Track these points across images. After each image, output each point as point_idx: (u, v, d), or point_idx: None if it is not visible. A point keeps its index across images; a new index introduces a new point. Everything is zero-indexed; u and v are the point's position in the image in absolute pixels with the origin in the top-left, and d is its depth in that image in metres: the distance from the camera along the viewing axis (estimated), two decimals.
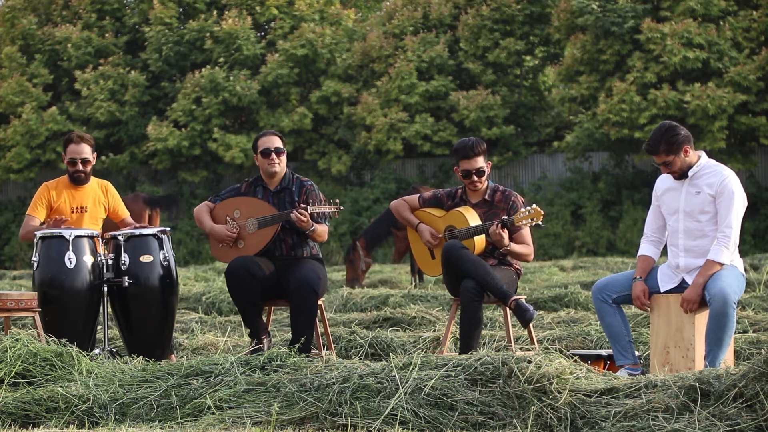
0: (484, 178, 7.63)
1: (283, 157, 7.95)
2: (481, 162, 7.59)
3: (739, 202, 6.58)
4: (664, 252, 6.92)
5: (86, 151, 8.13)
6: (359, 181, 29.32)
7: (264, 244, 7.77)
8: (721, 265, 6.54)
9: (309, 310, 7.59)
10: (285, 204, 7.87)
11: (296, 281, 7.61)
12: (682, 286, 6.69)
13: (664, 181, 6.85)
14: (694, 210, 6.65)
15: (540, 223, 7.39)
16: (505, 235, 7.39)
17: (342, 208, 7.84)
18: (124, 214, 8.33)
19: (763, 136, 25.13)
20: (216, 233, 7.89)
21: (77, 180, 8.12)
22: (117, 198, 8.35)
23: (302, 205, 7.69)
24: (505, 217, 7.45)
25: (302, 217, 7.59)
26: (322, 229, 7.78)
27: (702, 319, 6.56)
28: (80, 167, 8.10)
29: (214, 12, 29.86)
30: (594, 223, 26.19)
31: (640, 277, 6.79)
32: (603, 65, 25.91)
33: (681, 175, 6.69)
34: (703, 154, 6.74)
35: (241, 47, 29.05)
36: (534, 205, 7.42)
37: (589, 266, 18.81)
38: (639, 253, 6.93)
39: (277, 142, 7.95)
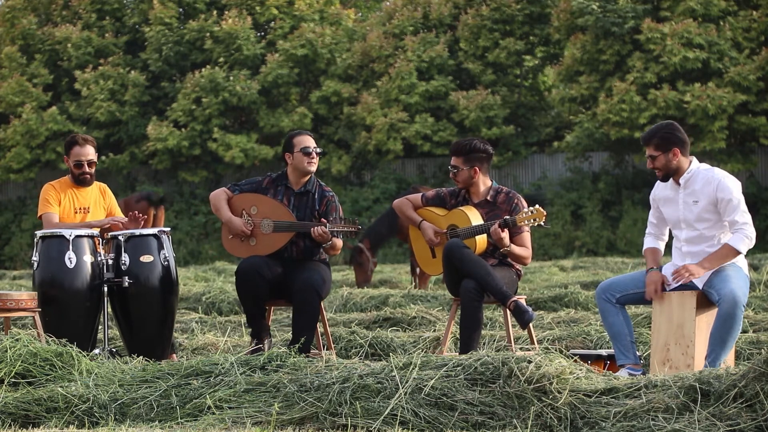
0: (458, 177, 7.65)
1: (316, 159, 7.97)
2: (454, 161, 7.65)
3: (737, 191, 6.56)
4: (668, 253, 6.90)
5: (91, 152, 8.17)
6: (359, 181, 29.31)
7: (276, 248, 7.76)
8: (737, 253, 6.51)
9: (311, 312, 7.60)
10: (305, 208, 7.85)
11: (300, 282, 7.61)
12: (688, 285, 6.65)
13: (659, 190, 6.84)
14: (695, 219, 6.64)
15: (542, 223, 7.40)
16: (506, 235, 7.40)
17: (361, 227, 7.85)
18: (120, 215, 8.37)
19: (763, 136, 25.13)
20: (233, 225, 7.86)
21: (83, 182, 8.15)
22: (114, 200, 8.42)
23: (323, 221, 7.69)
24: (508, 217, 7.46)
25: (324, 236, 7.61)
26: (339, 244, 7.82)
27: (704, 317, 6.54)
28: (86, 169, 8.13)
29: (214, 12, 29.86)
30: (594, 223, 26.19)
31: (654, 268, 6.73)
32: (603, 65, 25.90)
33: (664, 176, 6.68)
34: (694, 159, 6.73)
35: (241, 47, 29.04)
36: (537, 206, 7.43)
37: (589, 266, 18.80)
38: (645, 246, 6.87)
39: (314, 142, 7.95)
